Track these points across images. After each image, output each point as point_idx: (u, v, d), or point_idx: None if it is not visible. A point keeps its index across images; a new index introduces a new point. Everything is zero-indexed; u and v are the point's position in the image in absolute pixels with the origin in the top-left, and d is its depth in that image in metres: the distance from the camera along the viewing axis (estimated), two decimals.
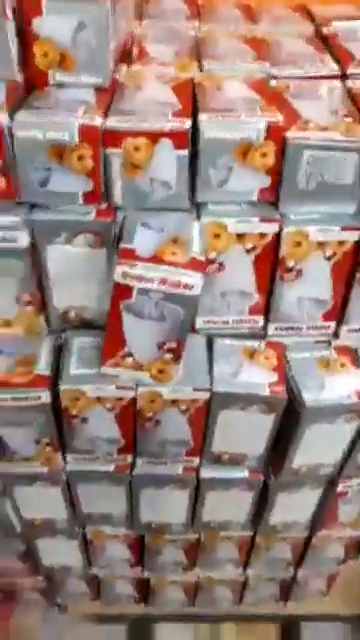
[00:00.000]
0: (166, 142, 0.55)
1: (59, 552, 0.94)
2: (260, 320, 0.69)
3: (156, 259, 0.54)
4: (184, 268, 0.54)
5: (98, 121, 0.54)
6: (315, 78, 0.67)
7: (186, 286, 0.54)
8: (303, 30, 0.78)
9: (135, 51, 0.70)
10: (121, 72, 0.65)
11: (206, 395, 0.65)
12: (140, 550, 0.95)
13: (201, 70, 0.67)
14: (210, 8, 0.84)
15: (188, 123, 0.55)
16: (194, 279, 0.54)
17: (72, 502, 0.81)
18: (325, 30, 0.76)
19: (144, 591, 1.11)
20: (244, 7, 0.84)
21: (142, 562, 0.98)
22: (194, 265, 0.54)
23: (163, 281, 0.54)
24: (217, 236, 0.60)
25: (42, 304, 0.66)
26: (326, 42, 0.74)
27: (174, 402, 0.66)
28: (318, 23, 0.79)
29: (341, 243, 0.61)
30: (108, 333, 0.59)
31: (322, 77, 0.67)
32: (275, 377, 0.67)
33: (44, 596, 1.11)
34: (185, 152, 0.56)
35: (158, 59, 0.68)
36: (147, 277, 0.53)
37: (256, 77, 0.66)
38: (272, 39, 0.75)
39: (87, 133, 0.54)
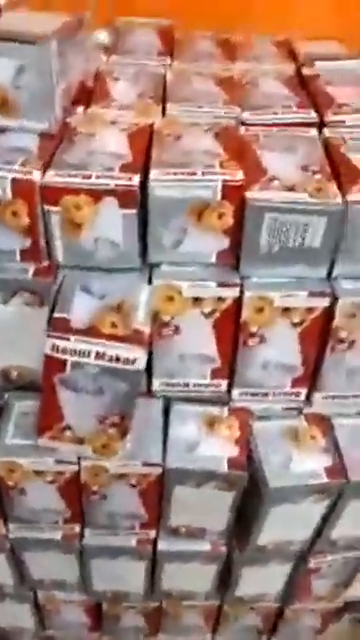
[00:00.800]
0: (110, 200, 0.50)
1: (10, 615, 0.88)
2: (223, 384, 0.63)
3: (92, 331, 0.48)
4: (123, 342, 0.48)
5: (35, 175, 0.50)
6: (289, 125, 0.62)
7: (127, 361, 0.49)
8: (283, 70, 0.73)
9: (97, 90, 0.65)
10: (75, 115, 0.60)
11: (158, 470, 0.60)
12: (98, 615, 0.89)
13: (164, 114, 0.62)
14: (186, 43, 0.79)
15: (136, 180, 0.50)
16: (135, 354, 0.49)
17: (19, 568, 0.76)
18: (306, 70, 0.71)
19: None
20: (223, 42, 0.80)
21: (101, 627, 0.92)
22: (136, 338, 0.49)
23: (100, 355, 0.48)
24: (170, 299, 0.55)
25: None
26: (306, 84, 0.69)
27: (122, 476, 0.60)
28: (300, 62, 0.74)
29: (310, 310, 0.56)
30: (43, 405, 0.54)
31: (297, 124, 0.62)
32: (236, 450, 0.61)
33: None
34: (133, 211, 0.51)
35: (119, 101, 0.64)
36: (81, 350, 0.48)
37: (223, 123, 0.61)
38: (248, 79, 0.70)
39: (22, 188, 0.49)
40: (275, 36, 0.83)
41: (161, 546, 0.71)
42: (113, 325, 0.49)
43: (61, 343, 0.48)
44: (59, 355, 0.48)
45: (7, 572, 0.76)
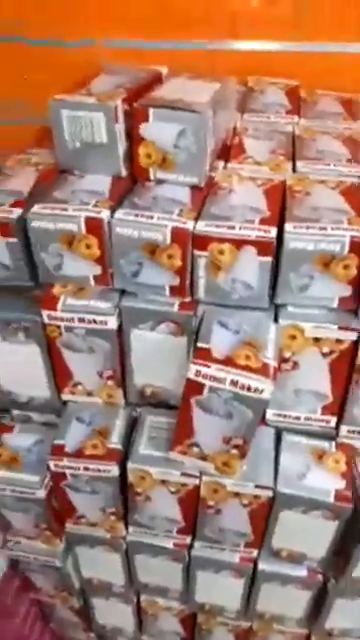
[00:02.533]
0: (250, 249, 0.57)
1: (113, 613, 0.95)
2: (332, 420, 0.68)
3: (229, 362, 0.55)
4: (255, 373, 0.55)
5: (189, 225, 0.58)
6: None
7: (256, 390, 0.55)
8: None
9: (234, 146, 0.73)
10: (217, 170, 0.68)
11: (269, 493, 0.65)
12: (192, 627, 0.94)
13: (294, 171, 0.69)
14: (311, 102, 0.85)
15: (274, 233, 0.57)
16: (264, 384, 0.55)
17: (130, 569, 0.83)
18: None
19: None
20: (346, 101, 0.85)
21: (192, 638, 0.97)
22: (265, 371, 0.56)
23: (234, 383, 0.55)
24: (293, 338, 0.61)
25: (122, 379, 0.70)
26: None
27: (236, 495, 0.66)
28: None
29: None
30: (179, 422, 0.61)
31: None
32: (343, 483, 0.66)
33: None
34: (268, 259, 0.58)
35: (254, 157, 0.71)
36: (219, 377, 0.55)
37: (348, 182, 0.66)
38: None
39: (178, 235, 0.58)
40: None
41: (261, 566, 0.76)
42: (247, 358, 0.56)
43: (202, 369, 0.55)
44: (199, 379, 0.55)
45: (119, 572, 0.83)
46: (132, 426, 0.71)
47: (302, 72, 0.90)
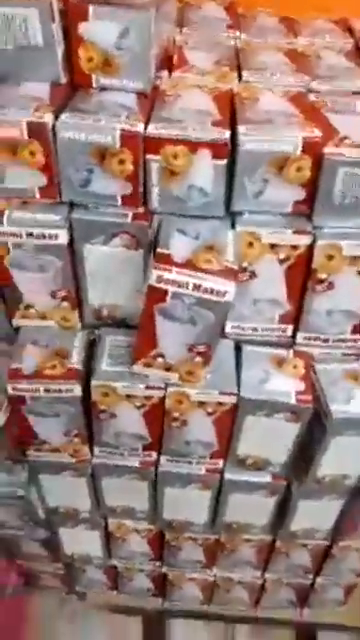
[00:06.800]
0: (205, 151, 0.56)
1: (80, 541, 0.96)
2: (289, 329, 0.69)
3: (191, 265, 0.55)
4: (217, 275, 0.55)
5: (140, 127, 0.56)
6: (354, 94, 0.67)
7: (219, 293, 0.56)
8: (343, 44, 0.78)
9: (175, 58, 0.71)
10: (162, 79, 0.66)
11: (233, 399, 0.67)
12: (160, 545, 0.97)
13: (240, 81, 0.68)
14: (251, 19, 0.84)
15: (227, 134, 0.56)
16: (227, 287, 0.55)
17: (96, 494, 0.84)
18: None
19: (162, 585, 1.13)
20: (285, 20, 0.85)
21: (161, 557, 1.00)
22: (227, 273, 0.56)
23: (197, 287, 0.55)
24: (251, 245, 0.61)
25: (77, 300, 0.68)
26: None
27: (201, 404, 0.67)
28: (358, 38, 0.79)
29: None
30: (140, 333, 0.61)
31: None
32: (302, 386, 0.68)
33: (63, 583, 1.15)
34: (223, 162, 0.57)
35: (198, 67, 0.69)
36: (181, 282, 0.55)
37: (294, 90, 0.66)
38: (312, 52, 0.75)
39: (128, 138, 0.56)
40: (331, 16, 0.88)
41: (227, 475, 0.78)
42: (208, 261, 0.56)
43: (164, 274, 0.54)
44: (162, 285, 0.55)
45: (85, 497, 0.84)
46: (91, 348, 0.70)
47: None
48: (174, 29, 0.79)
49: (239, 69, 0.70)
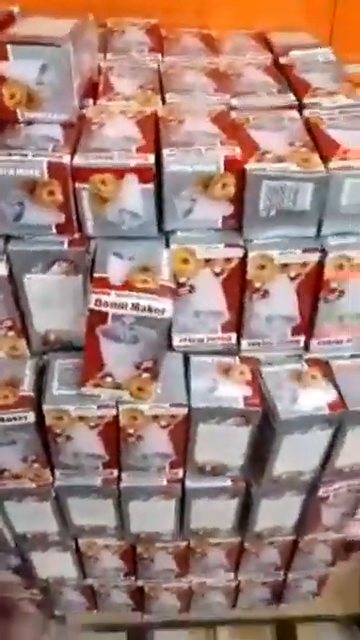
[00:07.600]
0: (131, 177, 0.59)
1: (53, 564, 0.97)
2: (233, 337, 0.72)
3: (128, 286, 0.57)
4: (154, 294, 0.57)
5: (66, 158, 0.58)
6: (274, 109, 0.71)
7: (157, 310, 0.58)
8: (262, 60, 0.82)
9: (101, 85, 0.73)
10: (88, 107, 0.68)
11: (184, 410, 0.69)
12: (132, 559, 0.98)
13: (164, 103, 0.70)
14: (173, 40, 0.87)
15: (151, 159, 0.59)
16: (164, 304, 0.58)
17: (62, 515, 0.85)
18: (283, 60, 0.80)
19: (140, 599, 1.14)
20: (206, 37, 0.88)
21: (135, 571, 1.02)
22: (164, 291, 0.58)
23: (135, 306, 0.57)
24: (186, 261, 0.64)
25: (23, 328, 0.69)
26: (284, 72, 0.78)
27: (155, 418, 0.69)
28: (276, 52, 0.83)
29: (304, 264, 0.65)
30: (86, 356, 0.62)
31: (280, 107, 0.71)
32: (250, 391, 0.70)
33: (41, 609, 1.14)
34: (150, 185, 0.59)
35: (123, 93, 0.72)
36: (120, 303, 0.57)
37: (217, 109, 0.69)
38: (233, 70, 0.79)
39: (55, 170, 0.58)
40: (250, 30, 0.91)
41: (188, 484, 0.80)
42: (144, 281, 0.58)
43: (103, 297, 0.56)
44: (101, 308, 0.57)
45: (51, 520, 0.84)
46: (42, 374, 0.71)
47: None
48: (97, 56, 0.81)
49: (162, 92, 0.72)
